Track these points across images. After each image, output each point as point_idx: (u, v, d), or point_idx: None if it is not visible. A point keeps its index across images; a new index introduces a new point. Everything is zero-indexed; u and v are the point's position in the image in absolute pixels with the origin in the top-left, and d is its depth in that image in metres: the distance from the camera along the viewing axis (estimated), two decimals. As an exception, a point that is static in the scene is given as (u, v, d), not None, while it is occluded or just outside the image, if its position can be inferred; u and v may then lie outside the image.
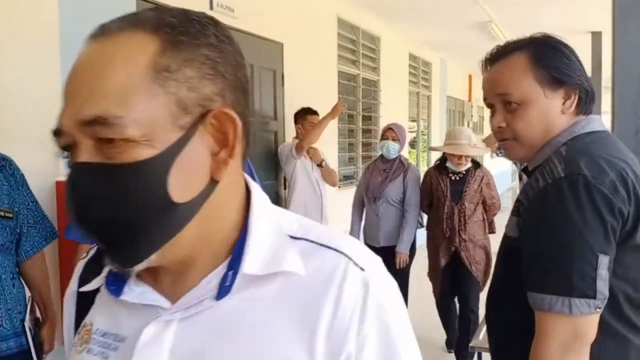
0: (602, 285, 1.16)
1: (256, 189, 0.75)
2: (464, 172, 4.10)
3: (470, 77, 12.29)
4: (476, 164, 4.18)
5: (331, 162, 4.97)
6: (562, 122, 1.33)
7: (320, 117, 4.44)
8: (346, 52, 6.37)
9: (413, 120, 9.10)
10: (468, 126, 12.31)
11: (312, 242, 0.71)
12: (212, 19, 0.71)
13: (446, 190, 4.07)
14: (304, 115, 4.50)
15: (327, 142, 5.50)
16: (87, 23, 2.78)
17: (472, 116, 12.04)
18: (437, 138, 10.06)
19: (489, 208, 4.18)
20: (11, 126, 2.59)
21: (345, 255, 0.69)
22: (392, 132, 4.39)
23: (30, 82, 2.70)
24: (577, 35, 7.72)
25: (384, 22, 7.15)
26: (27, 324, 2.05)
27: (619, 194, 1.17)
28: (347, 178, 6.60)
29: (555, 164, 1.25)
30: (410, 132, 9.09)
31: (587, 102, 1.36)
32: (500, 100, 1.38)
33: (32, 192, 2.15)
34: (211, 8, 3.93)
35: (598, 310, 1.17)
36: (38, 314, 2.19)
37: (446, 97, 10.43)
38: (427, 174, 4.29)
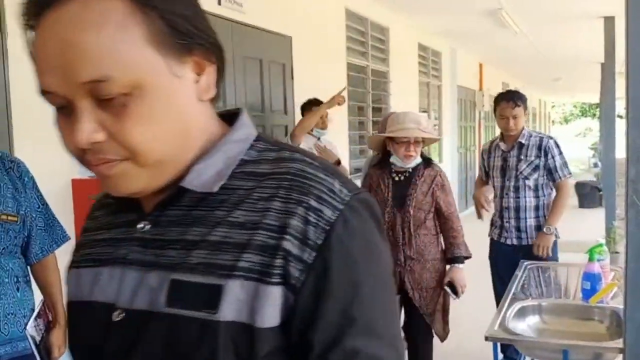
0: None
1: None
2: (410, 171, 3.16)
3: (481, 65, 12.20)
4: (427, 161, 3.23)
5: (342, 154, 4.96)
6: (202, 117, 0.75)
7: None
8: (355, 43, 6.35)
9: (424, 111, 9.05)
10: (479, 116, 12.22)
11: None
12: None
13: (387, 193, 3.15)
14: (310, 106, 4.41)
15: (338, 135, 5.49)
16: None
17: (483, 105, 11.95)
18: (449, 128, 10.01)
19: (445, 220, 3.15)
20: (26, 126, 2.61)
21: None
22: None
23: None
24: (590, 20, 7.63)
25: (392, 13, 7.11)
26: (29, 330, 2.03)
27: None
28: (357, 170, 6.59)
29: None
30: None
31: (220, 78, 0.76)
32: (85, 93, 0.67)
33: (42, 195, 2.14)
34: (219, 3, 3.93)
35: None
36: (50, 317, 2.18)
37: (457, 87, 10.36)
38: (368, 174, 3.47)
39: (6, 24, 2.53)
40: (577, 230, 8.66)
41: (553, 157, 3.68)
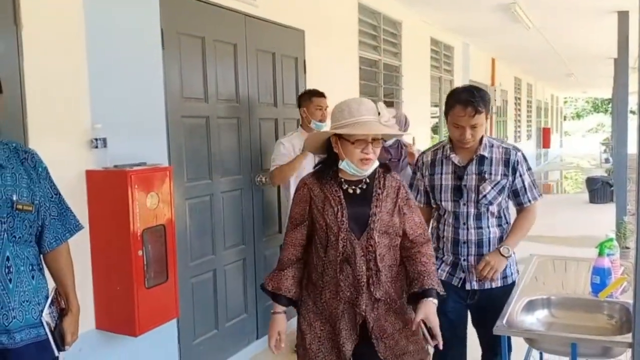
0: None
1: None
2: (367, 181, 2.34)
3: (493, 60, 12.14)
4: (385, 167, 2.40)
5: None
6: None
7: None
8: (367, 37, 6.35)
9: (435, 106, 9.04)
10: (491, 111, 12.15)
11: None
12: None
13: (339, 213, 2.28)
14: (309, 97, 4.19)
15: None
16: (113, 19, 2.84)
17: (495, 100, 11.91)
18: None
19: (411, 245, 2.37)
20: (41, 117, 2.64)
21: None
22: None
23: (59, 75, 2.75)
24: (604, 14, 7.57)
25: (404, 7, 7.09)
26: (45, 317, 2.06)
27: None
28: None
29: None
30: (432, 117, 9.05)
31: None
32: None
33: (55, 185, 2.17)
34: (232, -3, 3.94)
35: None
36: (63, 305, 2.21)
37: (469, 82, 10.32)
38: (302, 187, 2.40)
39: (21, 15, 2.56)
40: (588, 225, 8.64)
41: (522, 176, 2.78)
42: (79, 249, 2.85)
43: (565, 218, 9.55)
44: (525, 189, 2.81)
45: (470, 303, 2.85)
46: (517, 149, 2.82)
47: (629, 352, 2.29)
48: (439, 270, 2.82)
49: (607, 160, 19.11)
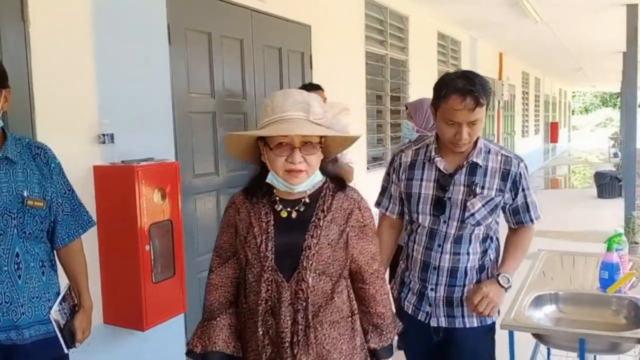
0: None
1: None
2: (306, 201, 1.76)
3: (501, 55, 12.09)
4: (338, 183, 1.84)
5: (359, 143, 4.95)
6: None
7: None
8: (374, 32, 6.33)
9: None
10: (498, 106, 12.12)
11: None
12: None
13: (264, 243, 1.73)
14: (307, 90, 4.10)
15: (356, 124, 5.49)
16: (120, 15, 2.84)
17: (502, 95, 11.86)
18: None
19: (364, 287, 1.83)
20: (49, 113, 2.65)
21: None
22: (406, 109, 3.89)
23: (66, 71, 2.76)
24: (612, 7, 7.52)
25: (411, 1, 7.06)
26: (53, 314, 2.06)
27: None
28: (375, 160, 6.59)
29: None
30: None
31: None
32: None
33: (68, 180, 2.17)
34: (239, -8, 3.94)
35: None
36: (76, 301, 2.21)
37: (476, 76, 10.27)
38: (231, 205, 1.91)
39: (29, 12, 2.56)
40: (596, 220, 8.60)
41: (524, 190, 2.26)
42: (87, 244, 2.85)
43: (573, 213, 9.51)
44: (527, 206, 2.27)
45: (437, 341, 2.29)
46: (519, 159, 2.24)
47: (637, 348, 2.29)
48: (405, 302, 2.33)
49: (615, 155, 19.02)
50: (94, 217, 2.86)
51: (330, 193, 1.80)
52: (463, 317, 2.25)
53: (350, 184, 1.87)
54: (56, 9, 2.70)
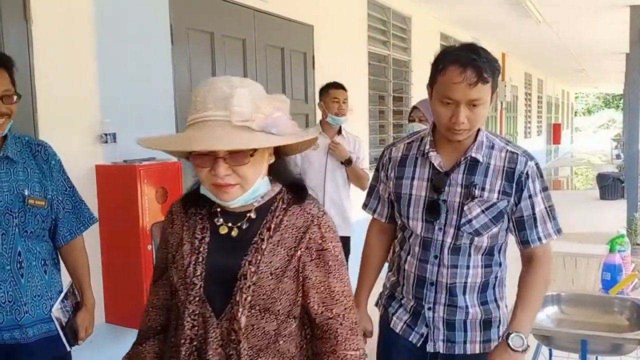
0: None
1: None
2: (252, 217, 1.38)
3: (503, 55, 12.07)
4: (298, 193, 1.42)
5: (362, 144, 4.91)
6: None
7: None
8: (376, 33, 6.32)
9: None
10: (501, 106, 12.11)
11: None
12: None
13: (191, 267, 1.36)
14: (327, 89, 3.89)
15: (358, 124, 5.49)
16: (122, 15, 2.84)
17: (505, 95, 11.84)
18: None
19: (322, 333, 1.38)
20: (51, 111, 2.66)
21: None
22: (418, 111, 3.49)
23: (68, 70, 2.76)
24: (616, 8, 7.51)
25: (414, 2, 7.06)
26: (55, 312, 2.05)
27: None
28: (377, 160, 6.58)
29: None
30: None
31: None
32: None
33: (69, 178, 2.17)
34: (241, -8, 3.93)
35: None
36: (79, 299, 2.20)
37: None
38: (168, 212, 1.55)
39: (31, 11, 2.57)
40: (598, 221, 8.59)
41: (532, 197, 1.83)
42: (89, 243, 2.85)
43: (575, 214, 9.49)
44: (535, 219, 1.83)
45: None
46: (528, 156, 1.85)
47: (639, 349, 2.28)
48: (394, 318, 1.98)
49: (618, 157, 18.99)
50: (96, 216, 2.87)
51: (283, 206, 1.38)
52: (465, 342, 1.90)
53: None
54: (58, 8, 2.71)
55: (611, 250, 2.62)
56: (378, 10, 6.33)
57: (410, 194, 1.90)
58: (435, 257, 1.88)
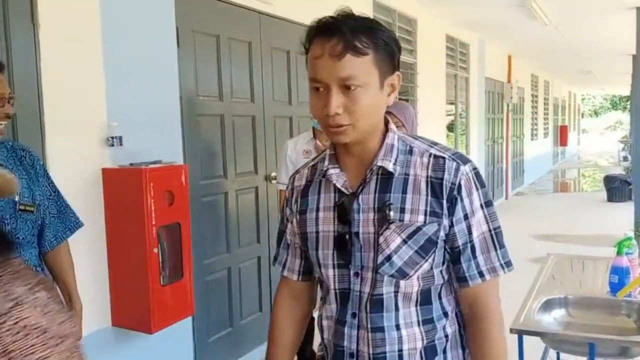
0: None
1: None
2: None
3: (509, 57, 12.05)
4: None
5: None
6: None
7: None
8: (382, 35, 6.32)
9: (451, 103, 9.00)
10: (507, 108, 12.06)
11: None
12: None
13: None
14: None
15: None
16: (128, 18, 2.86)
17: (511, 97, 11.82)
18: (476, 120, 9.92)
19: None
20: (58, 115, 2.66)
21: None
22: (392, 117, 2.72)
23: (75, 73, 2.77)
24: (621, 11, 7.49)
25: (420, 4, 7.06)
26: None
27: None
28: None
29: None
30: (448, 115, 9.00)
31: None
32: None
33: (53, 182, 2.13)
34: (247, -5, 3.94)
35: None
36: (64, 303, 2.17)
37: (485, 79, 10.26)
38: None
39: (38, 15, 2.58)
40: (606, 223, 8.55)
41: (469, 218, 1.31)
42: (95, 246, 2.87)
43: (583, 217, 9.46)
44: (473, 247, 1.31)
45: None
46: (461, 159, 1.32)
47: (647, 353, 2.27)
48: None
49: (625, 159, 18.91)
50: (103, 220, 2.89)
51: None
52: None
53: None
54: (66, 13, 2.72)
55: (619, 253, 2.61)
56: (384, 12, 6.33)
57: (317, 232, 1.37)
58: (353, 315, 1.33)
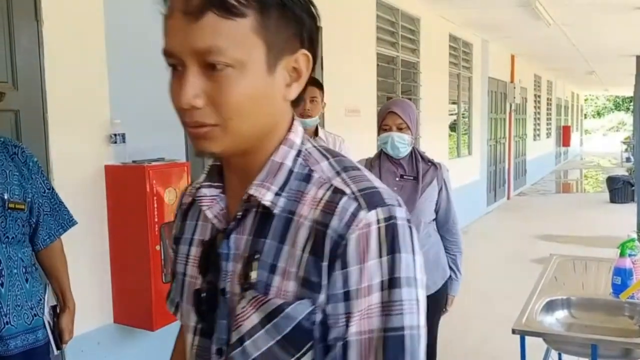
0: None
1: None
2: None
3: (512, 57, 12.03)
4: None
5: (369, 147, 4.93)
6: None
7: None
8: (385, 34, 6.31)
9: (453, 103, 8.99)
10: (510, 108, 12.04)
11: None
12: None
13: None
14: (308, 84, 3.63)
15: (365, 127, 5.48)
16: (132, 15, 2.86)
17: (514, 97, 11.81)
18: (478, 120, 9.91)
19: None
20: (62, 113, 2.67)
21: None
22: (395, 117, 2.56)
23: (78, 70, 2.77)
24: (626, 11, 7.47)
25: (423, 3, 7.05)
26: (45, 317, 1.99)
27: None
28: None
29: None
30: (450, 114, 8.99)
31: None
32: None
33: (47, 179, 2.10)
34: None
35: None
36: (55, 302, 2.12)
37: (488, 78, 10.25)
38: None
39: (42, 11, 2.58)
40: (608, 225, 8.54)
41: (351, 300, 0.76)
42: (98, 243, 2.87)
43: (585, 218, 9.44)
44: (346, 349, 0.76)
45: None
46: (370, 200, 0.78)
47: (650, 354, 2.26)
48: None
49: (628, 159, 18.90)
50: (105, 217, 2.89)
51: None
52: None
53: None
54: (70, 10, 2.72)
55: (622, 254, 2.60)
56: (387, 11, 6.32)
57: (184, 275, 0.96)
58: None
